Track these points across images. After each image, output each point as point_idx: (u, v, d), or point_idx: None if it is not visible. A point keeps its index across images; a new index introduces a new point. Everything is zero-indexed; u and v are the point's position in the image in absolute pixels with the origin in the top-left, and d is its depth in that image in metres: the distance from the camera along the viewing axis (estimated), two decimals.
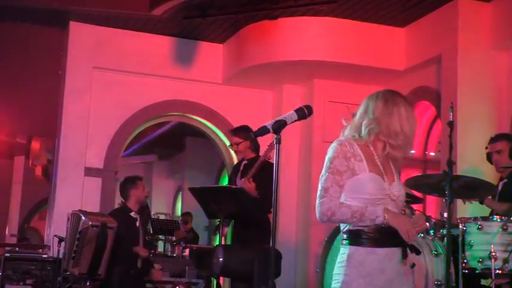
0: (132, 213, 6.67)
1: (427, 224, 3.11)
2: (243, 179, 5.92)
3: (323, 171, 3.05)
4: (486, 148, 5.80)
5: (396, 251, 3.02)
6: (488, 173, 5.95)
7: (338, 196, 3.00)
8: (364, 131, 3.07)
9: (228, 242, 6.64)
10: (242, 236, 5.95)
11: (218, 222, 5.87)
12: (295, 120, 3.19)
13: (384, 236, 2.98)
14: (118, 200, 9.28)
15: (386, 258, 2.99)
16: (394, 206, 3.05)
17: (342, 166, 3.00)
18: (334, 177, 2.99)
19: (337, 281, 3.02)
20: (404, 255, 3.01)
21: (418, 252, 3.11)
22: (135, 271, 6.57)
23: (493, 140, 5.78)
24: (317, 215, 3.02)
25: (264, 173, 5.63)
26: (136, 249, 6.62)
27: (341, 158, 3.01)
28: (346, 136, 3.12)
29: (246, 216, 5.77)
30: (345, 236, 3.06)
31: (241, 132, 6.11)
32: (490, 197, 5.51)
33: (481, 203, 5.55)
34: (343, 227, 3.07)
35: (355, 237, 3.00)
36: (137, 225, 6.67)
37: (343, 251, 3.05)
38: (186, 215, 11.80)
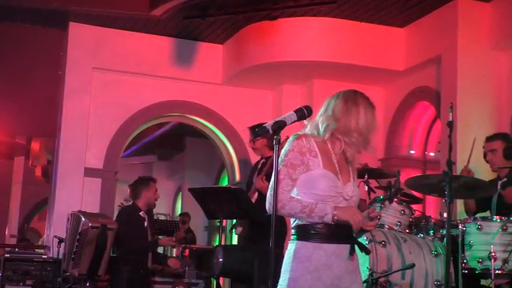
0: (141, 213, 6.67)
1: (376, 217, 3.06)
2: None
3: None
4: (483, 148, 5.80)
5: (344, 248, 2.99)
6: (487, 173, 5.94)
7: (289, 189, 2.99)
8: (321, 128, 3.08)
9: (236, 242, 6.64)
10: (251, 236, 5.95)
11: (218, 223, 5.88)
12: (295, 121, 3.18)
13: (333, 232, 2.96)
14: (118, 201, 9.31)
15: (333, 254, 2.96)
16: (346, 206, 3.02)
17: (296, 160, 3.00)
18: (287, 170, 2.99)
19: (284, 278, 2.98)
20: (352, 252, 2.99)
21: (367, 252, 3.09)
22: (144, 271, 6.57)
23: (489, 139, 5.77)
24: (266, 206, 3.01)
25: None
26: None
27: (296, 152, 3.01)
28: (306, 132, 3.12)
29: (247, 217, 5.76)
30: (293, 231, 3.04)
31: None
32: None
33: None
34: (293, 221, 3.05)
35: (303, 232, 2.99)
36: (145, 225, 6.67)
37: (290, 247, 3.02)
38: (184, 215, 11.82)
